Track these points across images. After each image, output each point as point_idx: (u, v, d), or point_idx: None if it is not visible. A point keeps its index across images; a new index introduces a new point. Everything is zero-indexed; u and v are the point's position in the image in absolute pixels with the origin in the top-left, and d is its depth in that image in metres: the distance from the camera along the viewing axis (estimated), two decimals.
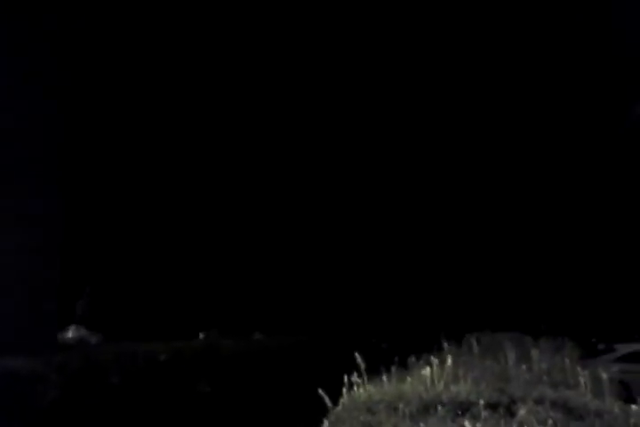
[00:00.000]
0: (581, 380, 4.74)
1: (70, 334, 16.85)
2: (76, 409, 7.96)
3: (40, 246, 12.65)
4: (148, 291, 19.26)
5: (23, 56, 11.64)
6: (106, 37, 14.23)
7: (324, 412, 4.61)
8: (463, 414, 4.07)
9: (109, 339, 15.94)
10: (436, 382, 4.75)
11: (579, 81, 20.08)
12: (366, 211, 22.80)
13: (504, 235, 22.73)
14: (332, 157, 21.35)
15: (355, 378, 4.90)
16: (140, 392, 9.10)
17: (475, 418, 3.94)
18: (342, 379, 5.00)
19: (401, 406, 4.16)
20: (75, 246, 15.13)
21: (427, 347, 7.30)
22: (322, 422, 4.31)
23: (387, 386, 4.86)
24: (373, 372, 5.37)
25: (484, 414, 4.02)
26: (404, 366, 6.14)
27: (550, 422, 3.77)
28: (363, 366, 5.06)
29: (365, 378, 4.99)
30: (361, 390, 4.77)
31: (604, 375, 4.72)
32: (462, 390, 4.55)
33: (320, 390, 4.63)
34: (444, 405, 4.22)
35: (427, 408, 4.22)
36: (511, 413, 4.18)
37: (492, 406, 4.23)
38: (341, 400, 4.61)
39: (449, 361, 4.87)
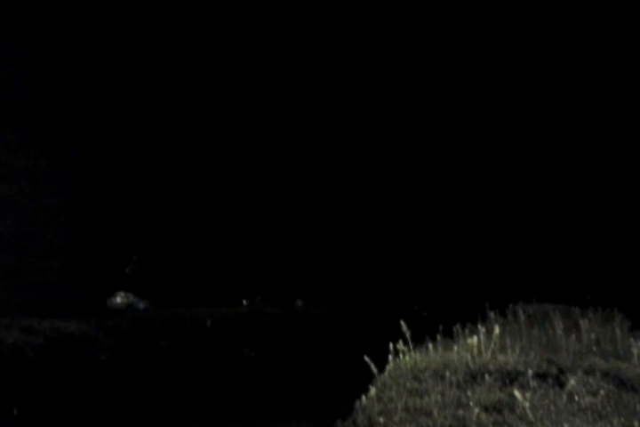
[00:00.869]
0: (634, 351, 4.63)
1: (118, 299, 17.37)
2: (126, 372, 8.26)
3: (88, 214, 12.99)
4: (194, 258, 19.63)
5: None
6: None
7: (369, 378, 4.64)
8: (511, 384, 4.04)
9: (156, 305, 16.37)
10: (482, 351, 4.71)
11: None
12: (407, 184, 22.67)
13: (550, 205, 22.26)
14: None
15: (400, 345, 4.89)
16: (188, 356, 9.37)
17: (523, 388, 3.91)
18: (386, 346, 5.01)
19: (447, 374, 4.15)
20: (122, 214, 15.47)
21: (470, 316, 7.24)
22: (367, 389, 4.33)
23: (433, 354, 4.86)
24: (418, 340, 5.35)
25: (532, 383, 3.98)
26: (448, 334, 6.11)
27: (602, 393, 3.71)
28: (408, 333, 5.05)
29: (411, 345, 4.99)
30: (407, 357, 4.77)
31: None
32: (510, 359, 4.51)
33: (365, 357, 4.65)
34: (491, 374, 4.19)
35: (474, 377, 4.20)
36: (560, 383, 4.13)
37: (540, 376, 4.18)
38: (387, 367, 4.62)
39: (496, 330, 4.81)
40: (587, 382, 3.99)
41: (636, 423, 3.05)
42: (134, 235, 17.31)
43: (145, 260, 18.69)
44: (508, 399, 3.63)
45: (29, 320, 7.46)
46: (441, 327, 6.02)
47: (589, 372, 4.25)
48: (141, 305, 17.18)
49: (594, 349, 5.15)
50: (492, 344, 4.79)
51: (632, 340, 4.93)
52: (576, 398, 3.64)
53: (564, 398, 3.65)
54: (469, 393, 3.80)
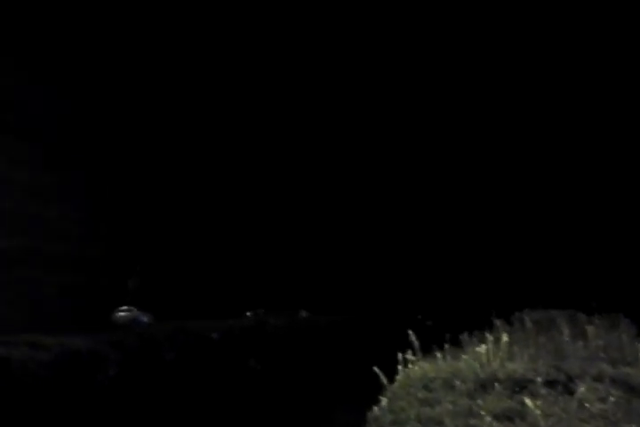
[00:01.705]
0: None
1: (122, 314, 17.34)
2: (134, 386, 8.24)
3: (90, 228, 13.01)
4: (197, 271, 19.64)
5: None
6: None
7: (376, 389, 4.65)
8: (521, 392, 4.06)
9: (160, 319, 16.34)
10: (491, 359, 4.73)
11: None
12: (407, 195, 22.79)
13: (555, 210, 22.28)
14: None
15: (409, 355, 4.91)
16: (195, 369, 9.36)
17: (533, 395, 3.92)
18: (392, 356, 5.02)
19: (457, 383, 4.17)
20: (125, 228, 15.51)
21: (476, 324, 7.25)
22: (377, 400, 4.35)
23: (441, 363, 4.87)
24: (422, 350, 5.36)
25: (542, 391, 3.99)
26: (455, 343, 6.13)
27: (611, 399, 3.72)
28: (416, 343, 5.08)
29: (420, 355, 5.01)
30: (416, 367, 4.79)
31: None
32: (518, 367, 4.53)
33: (374, 367, 4.66)
34: (500, 382, 4.21)
35: (483, 386, 4.22)
36: (569, 390, 4.14)
37: (549, 384, 4.20)
38: (397, 377, 4.64)
39: (504, 338, 4.83)
40: (596, 389, 4.01)
41: None
42: (137, 248, 17.34)
43: (147, 274, 18.70)
44: (519, 407, 3.65)
45: (35, 336, 7.45)
46: (448, 336, 6.04)
47: (598, 378, 4.27)
48: (145, 319, 17.14)
49: (601, 355, 5.16)
50: (501, 352, 4.81)
51: (639, 345, 4.94)
52: (586, 405, 3.66)
53: (575, 404, 3.67)
54: (480, 402, 3.82)
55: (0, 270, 10.94)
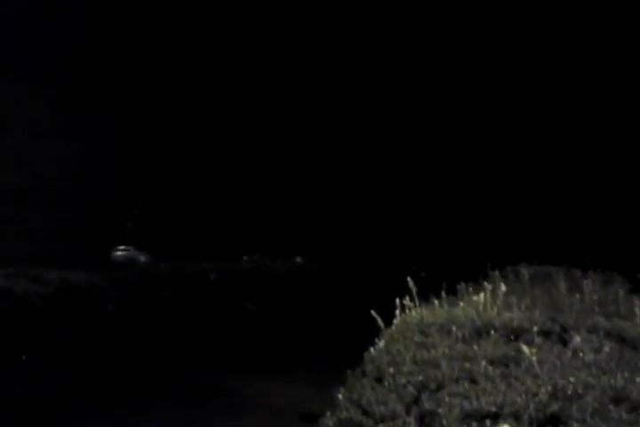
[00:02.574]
0: (636, 311, 4.72)
1: (120, 253, 17.54)
2: (132, 322, 8.41)
3: (91, 167, 12.95)
4: (194, 215, 19.71)
5: None
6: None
7: (375, 332, 4.73)
8: (516, 340, 4.13)
9: (157, 259, 16.52)
10: (488, 308, 4.80)
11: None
12: (403, 146, 22.65)
13: (548, 167, 22.25)
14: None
15: (406, 301, 4.98)
16: (192, 309, 9.52)
17: (528, 344, 3.99)
18: (387, 303, 5.09)
19: (454, 329, 4.23)
20: (124, 169, 15.44)
21: (469, 277, 7.32)
22: (374, 342, 4.42)
23: (438, 310, 4.94)
24: (419, 297, 5.43)
25: (537, 340, 4.06)
26: (452, 292, 6.20)
27: (605, 349, 3.80)
28: (414, 290, 5.13)
29: (417, 301, 5.07)
30: (413, 312, 4.86)
31: None
32: (515, 316, 4.60)
33: (372, 311, 4.73)
34: (496, 330, 4.27)
35: (479, 332, 4.29)
36: (563, 341, 4.22)
37: (544, 334, 4.27)
38: (394, 322, 4.71)
39: (502, 288, 4.89)
40: (590, 340, 4.08)
41: (637, 379, 3.14)
42: (136, 189, 17.32)
43: (146, 215, 18.76)
44: (514, 354, 3.72)
45: (37, 270, 7.54)
46: (445, 285, 6.11)
47: (592, 330, 4.35)
48: (142, 259, 17.38)
49: (596, 309, 5.24)
50: (498, 302, 4.88)
51: (634, 300, 5.01)
52: (580, 354, 3.73)
53: (569, 354, 3.74)
54: (476, 347, 3.89)
55: (4, 207, 10.99)
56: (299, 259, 19.82)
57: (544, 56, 19.73)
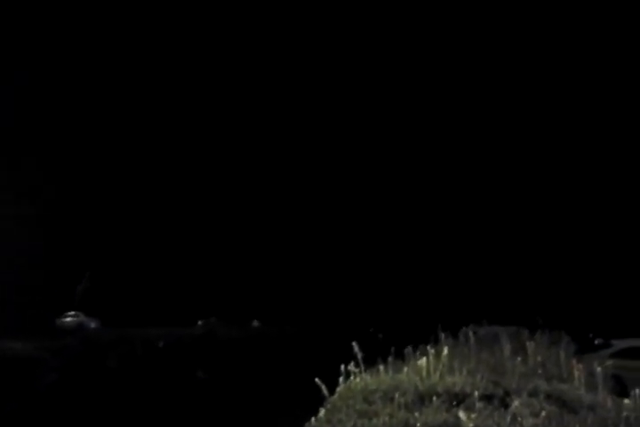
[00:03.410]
0: (576, 373, 4.78)
1: (69, 319, 16.91)
2: (74, 393, 8.02)
3: (39, 235, 12.69)
4: (148, 278, 19.30)
5: None
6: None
7: (320, 400, 4.64)
8: (458, 405, 4.11)
9: (108, 325, 16.00)
10: (431, 372, 4.78)
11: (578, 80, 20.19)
12: (364, 205, 22.96)
13: (503, 230, 22.78)
14: (334, 157, 21.77)
15: (351, 367, 4.93)
16: (138, 378, 9.15)
17: (469, 409, 3.98)
18: (339, 368, 5.02)
19: (397, 395, 4.19)
20: (75, 234, 15.19)
21: (423, 338, 7.32)
22: (317, 410, 4.33)
23: (383, 376, 4.90)
24: (370, 361, 5.39)
25: (478, 405, 4.05)
26: (400, 356, 6.17)
27: (544, 414, 3.81)
28: (360, 355, 5.09)
29: (362, 367, 5.03)
30: (357, 379, 4.80)
31: (598, 370, 4.75)
32: (458, 381, 4.59)
33: (316, 379, 4.65)
34: (439, 395, 4.25)
35: (422, 399, 4.26)
36: (505, 404, 4.22)
37: (486, 398, 4.27)
38: (338, 389, 4.64)
39: (445, 352, 4.90)
40: (530, 404, 4.10)
41: None
42: (86, 253, 16.95)
43: (97, 279, 18.28)
44: (454, 420, 3.70)
45: None
46: (393, 349, 6.07)
47: (533, 394, 4.37)
48: (92, 324, 16.77)
49: (539, 371, 5.28)
50: (441, 366, 4.87)
51: (575, 362, 5.08)
52: (519, 419, 3.73)
53: (508, 419, 3.74)
54: (417, 415, 3.86)
55: None
56: (255, 322, 19.49)
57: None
